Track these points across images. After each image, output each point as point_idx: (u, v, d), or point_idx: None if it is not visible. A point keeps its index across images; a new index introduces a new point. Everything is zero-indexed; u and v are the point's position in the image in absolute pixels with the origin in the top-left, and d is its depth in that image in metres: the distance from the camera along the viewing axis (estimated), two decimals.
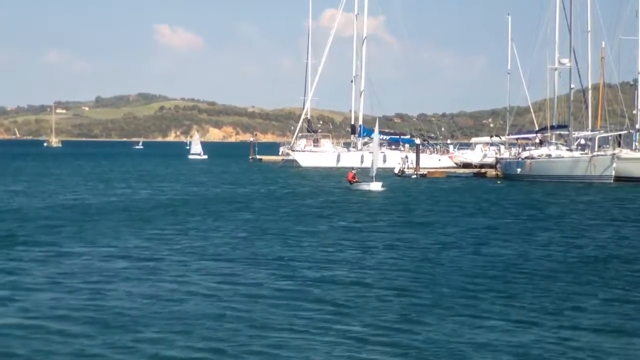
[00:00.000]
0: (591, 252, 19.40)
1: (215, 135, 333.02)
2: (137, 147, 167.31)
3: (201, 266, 17.01)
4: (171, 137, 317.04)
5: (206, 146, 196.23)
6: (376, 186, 42.04)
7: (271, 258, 18.15)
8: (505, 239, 21.98)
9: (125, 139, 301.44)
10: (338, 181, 49.59)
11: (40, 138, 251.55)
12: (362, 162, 73.17)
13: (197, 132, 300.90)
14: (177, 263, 17.41)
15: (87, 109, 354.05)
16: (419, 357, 10.20)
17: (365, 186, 42.39)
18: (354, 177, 44.03)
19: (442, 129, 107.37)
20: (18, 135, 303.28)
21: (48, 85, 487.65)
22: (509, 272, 16.38)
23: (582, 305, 13.16)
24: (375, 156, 45.34)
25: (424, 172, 59.40)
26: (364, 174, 62.62)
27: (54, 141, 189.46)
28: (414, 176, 58.41)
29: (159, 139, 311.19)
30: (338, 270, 16.59)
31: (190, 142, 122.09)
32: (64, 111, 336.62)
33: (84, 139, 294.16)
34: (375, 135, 46.48)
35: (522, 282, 15.29)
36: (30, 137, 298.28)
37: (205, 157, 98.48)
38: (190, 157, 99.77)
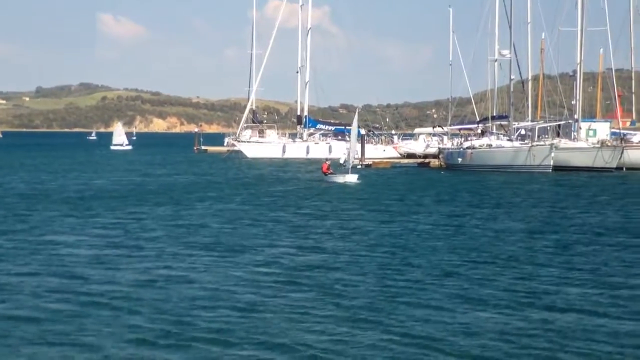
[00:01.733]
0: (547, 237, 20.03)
1: (159, 125, 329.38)
2: (91, 137, 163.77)
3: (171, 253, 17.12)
4: (114, 128, 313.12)
5: (150, 137, 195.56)
6: (351, 178, 41.50)
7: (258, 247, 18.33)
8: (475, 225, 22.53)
9: (67, 130, 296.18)
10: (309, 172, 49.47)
11: None
12: (307, 153, 73.65)
13: (141, 122, 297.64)
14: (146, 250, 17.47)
15: (27, 99, 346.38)
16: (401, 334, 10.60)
17: (340, 178, 41.81)
18: (328, 169, 43.38)
19: (387, 119, 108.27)
20: None
21: None
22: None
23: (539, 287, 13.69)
24: (351, 148, 44.79)
25: (369, 163, 59.98)
26: (312, 163, 63.28)
27: None
28: (359, 166, 58.87)
29: (102, 130, 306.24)
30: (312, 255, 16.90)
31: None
32: (4, 101, 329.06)
33: (24, 129, 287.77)
34: (354, 127, 45.70)
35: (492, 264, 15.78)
36: None
37: (130, 147, 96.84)
38: (113, 147, 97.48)
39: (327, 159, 46.70)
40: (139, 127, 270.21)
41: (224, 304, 12.80)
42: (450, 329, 11.16)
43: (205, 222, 23.57)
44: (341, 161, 61.69)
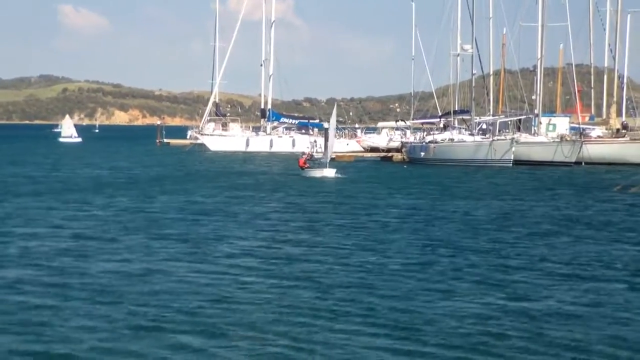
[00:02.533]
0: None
1: (121, 118, 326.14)
2: (56, 130, 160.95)
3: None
4: (75, 120, 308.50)
5: (111, 129, 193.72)
6: (329, 172, 40.79)
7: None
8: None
9: (27, 122, 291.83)
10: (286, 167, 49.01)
11: None
12: (270, 146, 73.62)
13: (102, 114, 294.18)
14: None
15: None
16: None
17: (317, 172, 41.08)
18: (305, 163, 42.68)
19: (351, 113, 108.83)
20: None
21: None
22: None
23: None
24: (330, 141, 44.07)
25: (333, 156, 59.98)
26: (276, 157, 63.26)
27: None
28: (323, 160, 58.98)
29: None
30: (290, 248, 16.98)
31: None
32: None
33: None
34: (332, 120, 44.57)
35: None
36: None
37: (80, 139, 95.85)
38: (62, 139, 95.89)
39: (304, 153, 46.04)
40: (100, 119, 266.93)
41: (196, 295, 12.88)
42: (425, 318, 11.41)
43: (171, 215, 23.54)
44: (303, 154, 62.03)
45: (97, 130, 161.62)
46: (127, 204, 26.62)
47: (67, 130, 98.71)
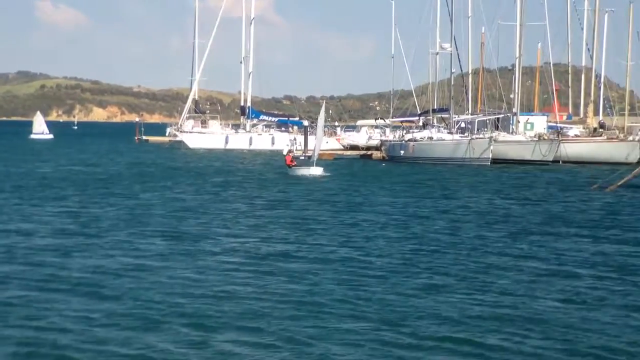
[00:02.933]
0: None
1: (99, 115, 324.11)
2: (74, 127, 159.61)
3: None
4: (53, 117, 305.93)
5: (90, 126, 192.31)
6: (317, 171, 40.19)
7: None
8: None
9: (4, 118, 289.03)
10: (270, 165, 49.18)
11: None
12: (250, 144, 73.52)
13: (81, 111, 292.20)
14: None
15: None
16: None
17: (305, 171, 40.46)
18: (292, 161, 41.91)
19: (330, 111, 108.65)
20: None
21: None
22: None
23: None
24: (318, 139, 43.42)
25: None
26: (255, 155, 63.21)
27: None
28: (302, 158, 58.99)
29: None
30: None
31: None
32: None
33: None
34: (321, 118, 43.93)
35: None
36: None
37: (51, 136, 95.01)
38: (33, 136, 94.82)
39: (290, 151, 45.42)
40: (78, 116, 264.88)
41: (182, 289, 13.03)
42: (413, 314, 11.54)
43: (154, 212, 23.54)
44: (284, 153, 62.03)
45: (75, 127, 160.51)
46: (102, 202, 26.45)
47: (38, 126, 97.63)
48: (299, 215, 23.56)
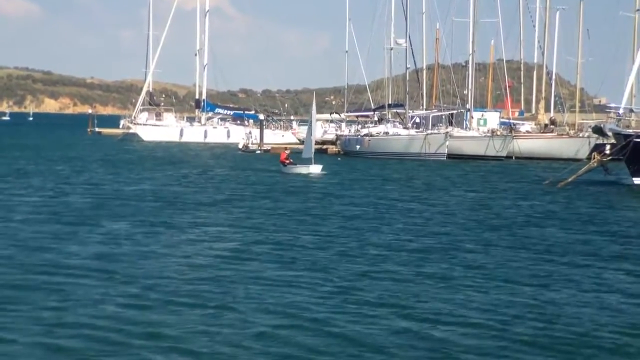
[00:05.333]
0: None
1: (51, 106, 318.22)
2: (4, 118, 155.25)
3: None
4: (3, 107, 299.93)
5: (40, 117, 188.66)
6: (316, 169, 37.54)
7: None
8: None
9: None
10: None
11: None
12: (205, 137, 73.13)
13: (32, 102, 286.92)
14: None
15: None
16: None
17: (302, 169, 37.73)
18: (287, 159, 38.69)
19: (286, 105, 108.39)
20: None
21: None
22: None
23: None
24: (312, 135, 40.08)
25: (268, 148, 60.03)
26: (208, 148, 62.83)
27: None
28: (258, 152, 59.03)
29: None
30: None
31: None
32: None
33: None
34: (313, 113, 40.99)
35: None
36: None
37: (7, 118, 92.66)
38: None
39: (286, 148, 41.98)
40: (29, 107, 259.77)
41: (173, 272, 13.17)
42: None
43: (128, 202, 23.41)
44: (240, 146, 61.96)
45: (31, 118, 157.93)
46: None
47: None
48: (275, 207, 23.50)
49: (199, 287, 12.85)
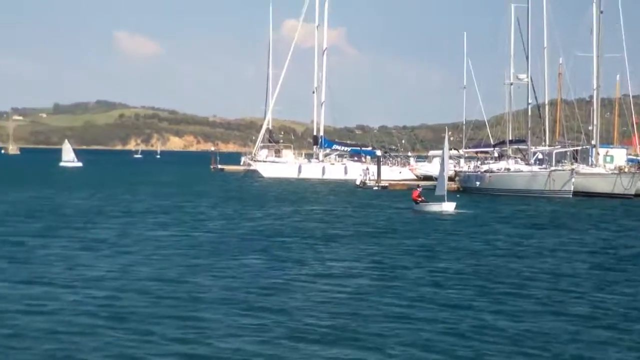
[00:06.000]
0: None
1: (176, 144, 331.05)
2: (137, 156, 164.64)
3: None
4: (131, 146, 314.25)
5: (167, 154, 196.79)
6: (449, 207, 36.10)
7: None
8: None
9: (84, 147, 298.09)
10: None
11: None
12: (323, 173, 73.88)
13: (158, 140, 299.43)
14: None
15: (44, 115, 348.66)
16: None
17: (435, 207, 36.47)
18: (419, 196, 37.79)
19: (403, 141, 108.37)
20: None
21: (3, 90, 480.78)
22: None
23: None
24: (445, 172, 38.89)
25: (386, 184, 59.93)
26: (325, 184, 63.38)
27: (12, 148, 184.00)
28: (376, 188, 58.97)
29: (119, 147, 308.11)
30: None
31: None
32: (21, 118, 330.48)
33: (41, 146, 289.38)
34: (445, 149, 39.39)
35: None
36: None
37: (80, 164, 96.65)
38: (62, 164, 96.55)
39: (418, 185, 41.47)
40: (155, 145, 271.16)
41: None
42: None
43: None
44: (357, 182, 62.20)
45: (159, 156, 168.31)
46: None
47: (67, 154, 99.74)
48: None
49: (338, 321, 12.93)
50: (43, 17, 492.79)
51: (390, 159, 77.52)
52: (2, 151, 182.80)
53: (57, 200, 40.00)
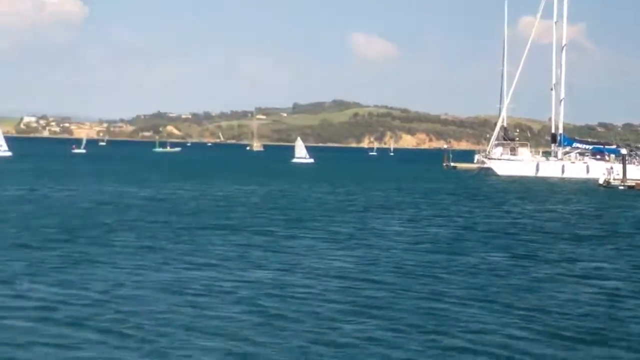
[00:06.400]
0: None
1: (408, 141, 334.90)
2: (372, 153, 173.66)
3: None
4: (364, 143, 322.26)
5: (399, 152, 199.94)
6: None
7: None
8: None
9: (321, 144, 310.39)
10: None
11: (242, 142, 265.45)
12: (562, 172, 71.16)
13: (391, 138, 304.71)
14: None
15: (284, 115, 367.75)
16: None
17: None
18: None
19: None
20: (222, 139, 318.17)
21: (248, 91, 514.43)
22: None
23: None
24: None
25: (632, 184, 56.25)
26: (565, 183, 60.86)
27: (256, 145, 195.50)
28: (621, 187, 55.64)
29: (354, 145, 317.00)
30: None
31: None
32: (264, 117, 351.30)
33: (282, 143, 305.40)
34: None
35: None
36: (233, 141, 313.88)
37: (312, 160, 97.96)
38: (295, 160, 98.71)
39: None
40: (388, 142, 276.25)
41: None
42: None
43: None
44: (600, 182, 59.01)
45: (392, 154, 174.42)
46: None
47: (300, 151, 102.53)
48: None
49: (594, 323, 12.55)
50: (285, 21, 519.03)
51: (637, 158, 72.71)
52: (247, 148, 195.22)
53: (300, 194, 41.96)
